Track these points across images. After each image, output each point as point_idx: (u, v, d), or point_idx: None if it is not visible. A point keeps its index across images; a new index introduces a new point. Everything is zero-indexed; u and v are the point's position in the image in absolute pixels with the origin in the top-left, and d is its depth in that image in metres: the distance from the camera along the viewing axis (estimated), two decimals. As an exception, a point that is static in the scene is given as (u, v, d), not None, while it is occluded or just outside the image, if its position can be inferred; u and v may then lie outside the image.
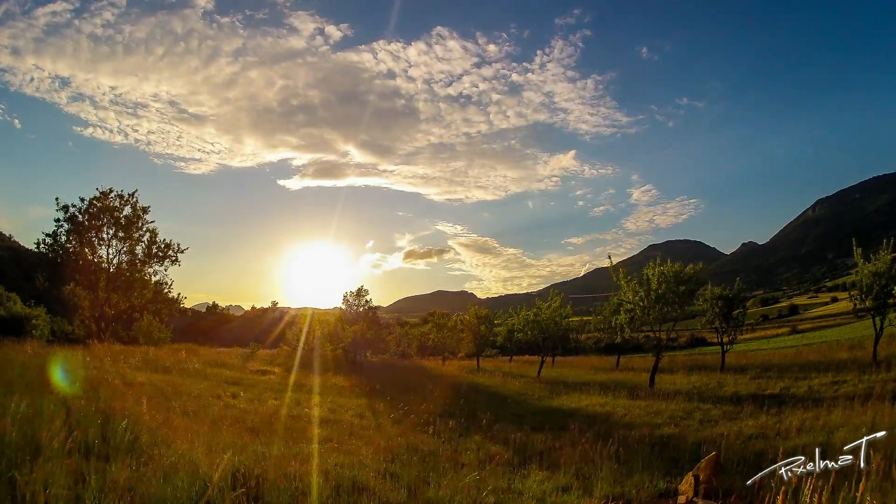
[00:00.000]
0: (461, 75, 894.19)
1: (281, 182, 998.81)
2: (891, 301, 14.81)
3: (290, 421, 9.44)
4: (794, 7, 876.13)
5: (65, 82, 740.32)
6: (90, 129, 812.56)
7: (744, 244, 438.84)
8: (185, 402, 9.15)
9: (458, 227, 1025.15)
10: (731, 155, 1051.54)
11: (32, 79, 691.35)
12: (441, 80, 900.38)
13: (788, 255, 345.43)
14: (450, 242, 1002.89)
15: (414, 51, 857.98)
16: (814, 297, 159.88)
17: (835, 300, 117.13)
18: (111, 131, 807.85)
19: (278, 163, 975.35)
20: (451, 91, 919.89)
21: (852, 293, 15.86)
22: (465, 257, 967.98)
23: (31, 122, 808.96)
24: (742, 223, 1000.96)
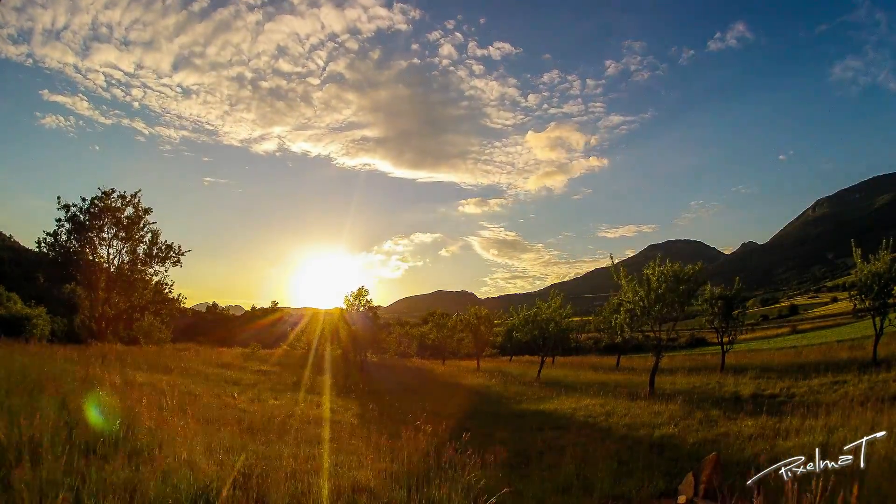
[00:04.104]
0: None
1: (310, 171, 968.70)
2: (891, 301, 14.79)
3: (290, 421, 9.42)
4: (775, 9, 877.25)
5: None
6: (67, 98, 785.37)
7: (744, 244, 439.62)
8: (185, 403, 9.14)
9: (490, 224, 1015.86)
10: (732, 155, 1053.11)
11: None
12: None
13: (788, 255, 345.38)
14: (471, 240, 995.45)
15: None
16: (814, 297, 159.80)
17: (835, 300, 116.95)
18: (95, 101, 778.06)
19: (294, 146, 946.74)
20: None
21: (852, 293, 15.83)
22: (485, 255, 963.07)
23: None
24: (742, 223, 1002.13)
